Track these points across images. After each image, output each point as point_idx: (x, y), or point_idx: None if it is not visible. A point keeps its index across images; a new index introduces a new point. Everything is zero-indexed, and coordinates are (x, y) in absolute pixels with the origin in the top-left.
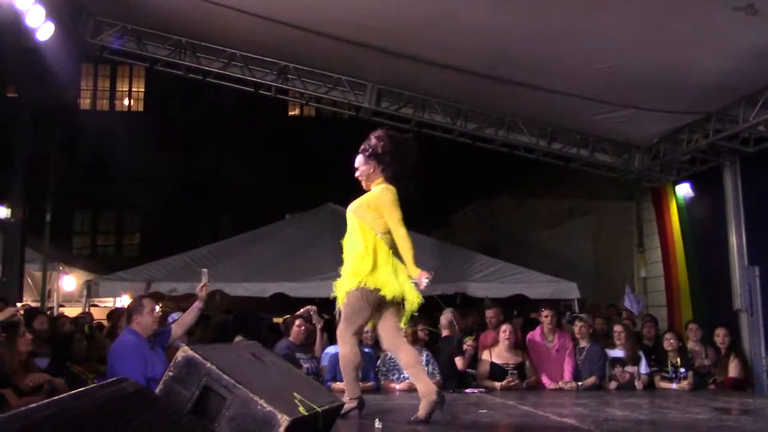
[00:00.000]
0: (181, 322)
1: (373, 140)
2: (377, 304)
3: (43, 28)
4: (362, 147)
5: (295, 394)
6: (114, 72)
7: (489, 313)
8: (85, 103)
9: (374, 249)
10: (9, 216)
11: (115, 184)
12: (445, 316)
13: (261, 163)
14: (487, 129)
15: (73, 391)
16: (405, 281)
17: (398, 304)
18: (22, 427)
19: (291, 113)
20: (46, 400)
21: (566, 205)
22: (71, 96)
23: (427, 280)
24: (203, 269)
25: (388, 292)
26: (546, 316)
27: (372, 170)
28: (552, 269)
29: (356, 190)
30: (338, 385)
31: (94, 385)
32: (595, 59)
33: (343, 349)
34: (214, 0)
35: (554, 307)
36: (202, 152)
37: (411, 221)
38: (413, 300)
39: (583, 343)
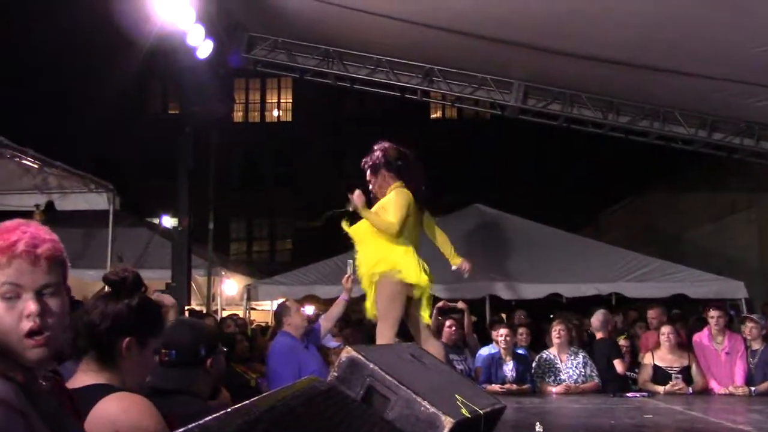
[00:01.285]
0: (328, 315)
1: (376, 153)
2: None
3: (202, 47)
4: (366, 161)
5: (456, 395)
6: (264, 84)
7: (651, 314)
8: (237, 116)
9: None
10: (176, 225)
11: (267, 192)
12: (597, 317)
13: None
14: (641, 121)
15: (272, 391)
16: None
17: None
18: (242, 423)
19: (433, 116)
20: (255, 398)
21: (728, 198)
22: (226, 109)
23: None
24: (349, 260)
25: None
26: (714, 317)
27: (383, 179)
28: (713, 267)
29: (503, 190)
30: (493, 387)
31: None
32: (757, 39)
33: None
34: (358, 7)
35: (722, 306)
36: (347, 158)
37: (558, 219)
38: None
39: (756, 346)
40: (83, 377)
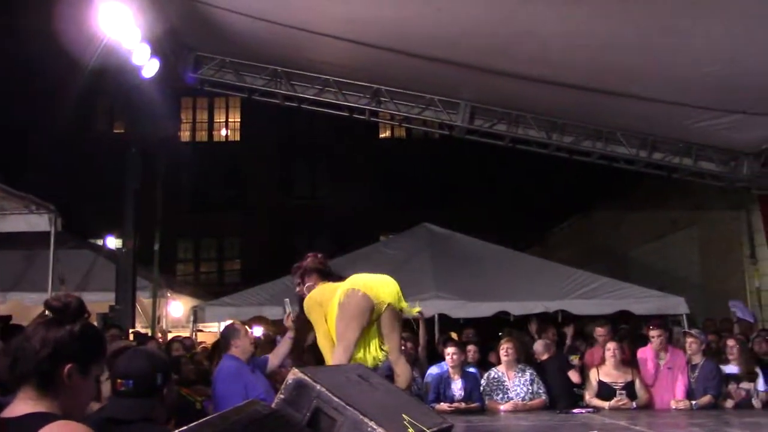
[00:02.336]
0: (276, 352)
1: (307, 260)
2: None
3: (148, 65)
4: (294, 268)
5: (403, 415)
6: (211, 103)
7: (599, 331)
8: (185, 135)
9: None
10: (120, 246)
11: (215, 212)
12: (540, 345)
13: (354, 185)
14: (584, 142)
15: (215, 414)
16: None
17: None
18: None
19: (382, 135)
20: (196, 423)
21: (669, 216)
22: (173, 129)
23: None
24: (285, 299)
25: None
26: (654, 336)
27: (313, 283)
28: (656, 284)
29: (451, 209)
30: (443, 405)
31: (231, 408)
32: (695, 64)
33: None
34: (306, 28)
35: (663, 322)
36: (297, 178)
37: (506, 238)
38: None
39: (696, 360)
40: (22, 406)
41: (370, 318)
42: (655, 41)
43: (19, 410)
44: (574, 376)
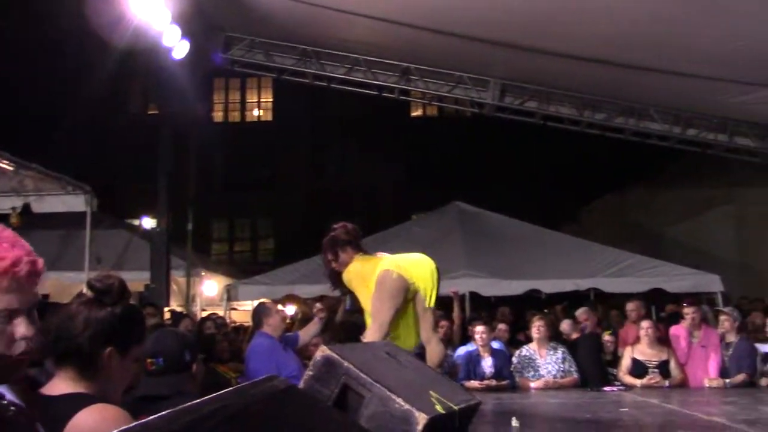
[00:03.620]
0: (306, 331)
1: (337, 231)
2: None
3: (178, 47)
4: (326, 241)
5: (431, 392)
6: (243, 84)
7: (630, 307)
8: (218, 116)
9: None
10: (155, 226)
11: (249, 191)
12: (581, 314)
13: (387, 164)
14: (616, 119)
15: (230, 389)
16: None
17: None
18: (190, 421)
19: (414, 114)
20: (208, 397)
21: (704, 194)
22: (205, 109)
23: None
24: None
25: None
26: (689, 313)
27: (348, 256)
28: (691, 263)
29: (482, 187)
30: (473, 383)
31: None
32: (729, 37)
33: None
34: (334, 6)
35: (697, 301)
36: (329, 157)
37: (538, 216)
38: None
39: (730, 338)
40: (61, 385)
41: (405, 298)
42: (688, 15)
43: (58, 389)
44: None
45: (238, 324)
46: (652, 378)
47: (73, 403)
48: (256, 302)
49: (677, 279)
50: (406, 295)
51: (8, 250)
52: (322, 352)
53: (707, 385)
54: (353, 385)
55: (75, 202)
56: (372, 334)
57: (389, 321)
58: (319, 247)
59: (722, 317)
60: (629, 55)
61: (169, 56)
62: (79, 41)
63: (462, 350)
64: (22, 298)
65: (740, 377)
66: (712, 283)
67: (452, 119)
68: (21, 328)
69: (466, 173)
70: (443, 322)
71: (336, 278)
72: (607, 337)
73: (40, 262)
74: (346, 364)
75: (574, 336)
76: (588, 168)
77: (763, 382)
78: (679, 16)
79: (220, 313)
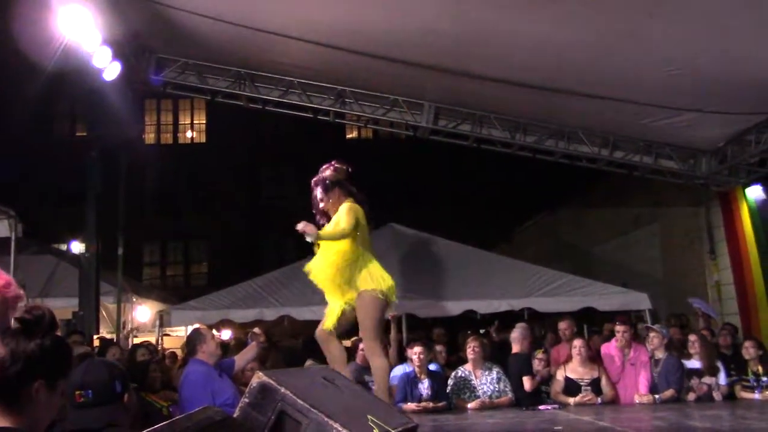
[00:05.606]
0: (242, 356)
1: (327, 171)
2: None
3: (109, 68)
4: (317, 180)
5: (369, 416)
6: (176, 105)
7: (562, 326)
8: (149, 137)
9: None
10: (84, 251)
11: (181, 214)
12: (518, 330)
13: None
14: (547, 141)
15: (164, 422)
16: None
17: None
18: None
19: (349, 136)
20: (149, 429)
21: (631, 214)
22: (136, 131)
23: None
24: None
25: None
26: (620, 331)
27: (336, 197)
28: (619, 280)
29: (417, 209)
30: (410, 405)
31: (183, 415)
32: (655, 64)
33: (382, 361)
34: (269, 29)
35: (628, 319)
36: (263, 179)
37: (472, 237)
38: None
39: (659, 355)
40: None
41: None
42: (613, 43)
43: None
44: (527, 383)
45: (170, 351)
46: (585, 396)
47: None
48: (189, 328)
49: (607, 297)
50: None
51: (2, 274)
52: (258, 378)
53: (638, 401)
54: (290, 412)
55: None
56: (375, 352)
57: (380, 336)
58: (254, 270)
59: (651, 334)
60: (558, 81)
61: (99, 78)
62: (5, 60)
63: (398, 370)
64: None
65: (669, 393)
66: (640, 301)
67: (387, 141)
68: None
69: (401, 195)
70: (362, 345)
71: (323, 217)
72: (539, 355)
73: (22, 292)
74: (282, 390)
75: (516, 349)
76: (520, 189)
77: (690, 397)
78: (604, 44)
79: (152, 339)
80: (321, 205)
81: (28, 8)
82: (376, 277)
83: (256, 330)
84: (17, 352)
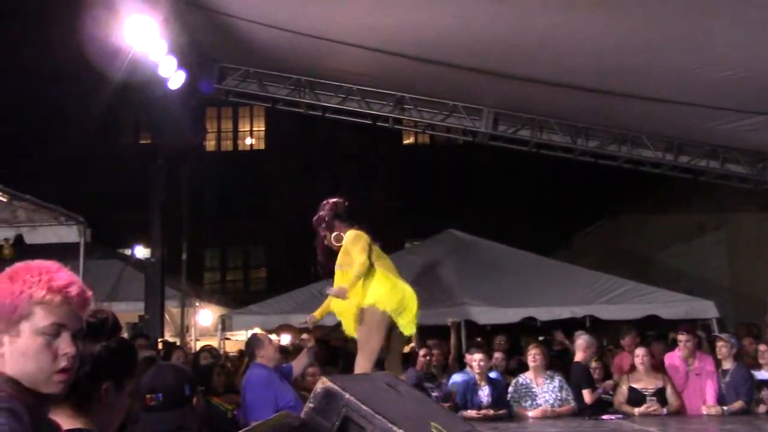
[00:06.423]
0: (298, 362)
1: (325, 209)
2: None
3: (174, 78)
4: (317, 219)
5: (432, 423)
6: (236, 113)
7: (625, 342)
8: (210, 145)
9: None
10: (149, 256)
11: (240, 220)
12: (582, 338)
13: (380, 192)
14: (609, 146)
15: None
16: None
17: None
18: None
19: (405, 141)
20: None
21: (696, 220)
22: (199, 139)
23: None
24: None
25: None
26: (683, 340)
27: (338, 231)
28: (683, 288)
29: (476, 215)
30: (470, 413)
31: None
32: (720, 66)
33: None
34: (329, 37)
35: (692, 327)
36: (320, 185)
37: (530, 243)
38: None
39: (727, 365)
40: (59, 422)
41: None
42: (676, 45)
43: None
44: (587, 396)
45: (235, 353)
46: (650, 406)
47: None
48: (250, 332)
49: (672, 305)
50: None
51: (64, 274)
52: (323, 383)
53: (705, 413)
54: (354, 417)
55: (68, 233)
56: (361, 365)
57: (377, 351)
58: (312, 276)
59: (719, 344)
60: (621, 84)
61: (164, 87)
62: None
63: (458, 378)
64: (70, 318)
65: (738, 404)
66: (707, 309)
67: (444, 147)
68: (64, 344)
69: (459, 201)
70: (436, 351)
71: (328, 256)
72: (594, 363)
73: (90, 293)
74: (347, 395)
75: (579, 357)
76: (580, 194)
77: (761, 409)
78: (667, 46)
79: (214, 343)
80: (325, 242)
81: (96, 20)
82: (379, 293)
83: (305, 336)
84: (84, 355)
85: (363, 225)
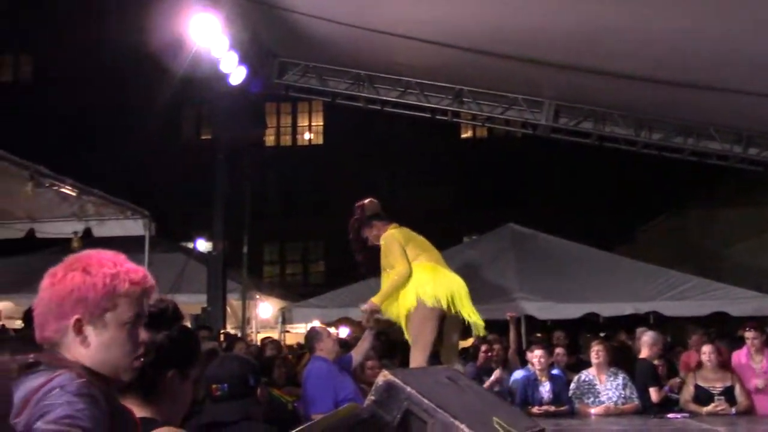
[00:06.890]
0: (358, 349)
1: (358, 211)
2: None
3: (236, 73)
4: (353, 223)
5: (494, 418)
6: (295, 108)
7: (692, 342)
8: (269, 140)
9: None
10: (211, 250)
11: (299, 215)
12: (648, 335)
13: (438, 186)
14: (674, 138)
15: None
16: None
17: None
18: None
19: (463, 135)
20: (301, 427)
21: (766, 214)
22: (259, 134)
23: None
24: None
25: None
26: (750, 337)
27: (377, 230)
28: (752, 285)
29: (535, 208)
30: (531, 409)
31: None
32: None
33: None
34: (388, 30)
35: (760, 324)
36: (378, 179)
37: (591, 237)
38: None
39: None
40: None
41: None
42: (743, 33)
43: None
44: (654, 394)
45: (295, 346)
46: (718, 405)
47: (142, 428)
48: (309, 325)
49: (741, 302)
50: (438, 321)
51: (133, 265)
52: (384, 377)
53: None
54: (416, 411)
55: (134, 227)
56: (416, 358)
57: (431, 343)
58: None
59: None
60: (685, 74)
61: (226, 82)
62: (139, 66)
63: (518, 374)
64: (144, 307)
65: None
66: None
67: (503, 140)
68: (143, 333)
69: (518, 194)
70: (496, 346)
71: (371, 254)
72: (656, 361)
73: (153, 282)
74: (408, 389)
75: (643, 354)
76: (644, 187)
77: None
78: (734, 34)
79: (274, 335)
80: (368, 244)
81: (161, 17)
82: (421, 290)
83: (365, 315)
84: (148, 344)
85: (400, 221)
